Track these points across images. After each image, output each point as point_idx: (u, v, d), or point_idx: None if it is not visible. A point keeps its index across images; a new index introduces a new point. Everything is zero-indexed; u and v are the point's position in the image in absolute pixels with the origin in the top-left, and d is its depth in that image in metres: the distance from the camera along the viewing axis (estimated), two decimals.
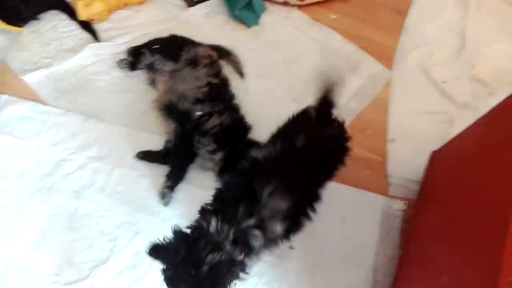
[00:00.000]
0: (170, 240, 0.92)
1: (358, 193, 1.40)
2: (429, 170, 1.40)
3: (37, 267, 1.26)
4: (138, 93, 1.50)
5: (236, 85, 1.50)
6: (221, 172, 1.33)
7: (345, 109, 1.46)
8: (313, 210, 1.05)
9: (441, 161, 1.34)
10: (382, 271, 1.31)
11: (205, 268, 0.87)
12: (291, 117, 1.13)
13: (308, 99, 1.19)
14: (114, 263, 1.29)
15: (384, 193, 1.41)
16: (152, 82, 1.45)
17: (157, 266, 1.11)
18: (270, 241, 0.98)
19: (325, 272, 1.32)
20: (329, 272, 1.31)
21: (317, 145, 1.05)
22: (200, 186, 1.38)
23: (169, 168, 1.35)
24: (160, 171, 1.38)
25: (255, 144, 1.30)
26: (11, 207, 1.33)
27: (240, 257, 0.91)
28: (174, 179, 1.34)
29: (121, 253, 1.30)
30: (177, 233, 0.93)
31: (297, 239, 1.22)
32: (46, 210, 1.33)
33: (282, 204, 0.96)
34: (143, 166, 1.40)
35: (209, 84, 1.34)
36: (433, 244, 1.12)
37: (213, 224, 0.92)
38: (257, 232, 0.93)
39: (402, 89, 1.59)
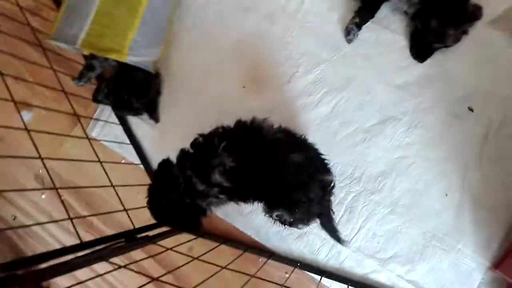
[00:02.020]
0: None
1: None
2: None
3: (230, 76, 1.46)
4: None
5: None
6: (415, 17, 1.25)
7: None
8: None
9: None
10: None
11: None
12: None
13: None
14: (293, 86, 1.39)
15: None
16: None
17: (329, 99, 1.18)
18: None
19: (497, 145, 1.26)
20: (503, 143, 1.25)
21: None
22: (388, 29, 1.34)
23: (360, 4, 1.30)
24: (351, 7, 1.35)
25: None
26: (212, 17, 1.50)
27: None
28: (363, 16, 1.31)
29: (301, 79, 1.39)
30: None
31: (476, 100, 1.17)
32: (241, 27, 1.46)
33: None
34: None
35: None
36: None
37: None
38: None
39: None
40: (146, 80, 1.38)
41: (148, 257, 1.19)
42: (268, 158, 1.03)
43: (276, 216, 1.12)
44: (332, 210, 1.16)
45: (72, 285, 0.76)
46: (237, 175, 1.04)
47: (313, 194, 1.04)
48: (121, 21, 1.23)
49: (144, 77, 1.38)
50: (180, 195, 1.08)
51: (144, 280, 1.40)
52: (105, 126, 1.51)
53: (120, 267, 0.94)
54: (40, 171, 1.61)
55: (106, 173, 1.21)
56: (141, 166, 1.47)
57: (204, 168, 1.05)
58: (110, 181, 1.22)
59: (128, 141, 1.46)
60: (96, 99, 1.40)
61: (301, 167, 1.04)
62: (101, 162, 1.20)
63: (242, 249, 1.33)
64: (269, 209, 1.11)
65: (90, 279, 0.89)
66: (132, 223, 1.21)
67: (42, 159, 0.95)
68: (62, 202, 1.17)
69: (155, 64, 1.38)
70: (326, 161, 1.13)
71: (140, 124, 1.49)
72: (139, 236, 1.14)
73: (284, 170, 1.03)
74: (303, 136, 1.14)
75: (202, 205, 1.12)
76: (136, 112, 1.40)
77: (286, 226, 1.16)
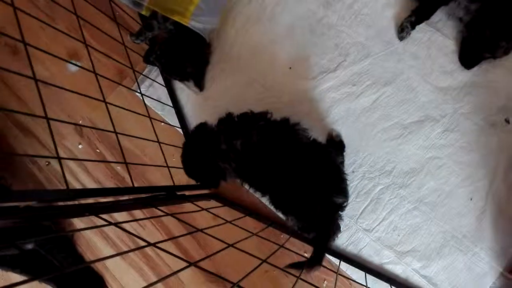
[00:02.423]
0: None
1: None
2: None
3: (279, 56, 1.50)
4: None
5: None
6: (470, 24, 1.29)
7: None
8: None
9: None
10: None
11: None
12: None
13: None
14: (339, 75, 1.44)
15: None
16: None
17: (372, 91, 1.24)
18: None
19: None
20: None
21: None
22: (441, 32, 1.38)
23: (418, 4, 1.34)
24: (407, 5, 1.39)
25: None
26: (270, 1, 1.50)
27: None
28: (419, 16, 1.35)
29: (347, 69, 1.44)
30: None
31: None
32: (296, 11, 1.50)
33: None
34: None
35: None
36: None
37: None
38: None
39: None
40: (199, 47, 1.43)
41: (178, 214, 1.21)
42: (292, 165, 1.07)
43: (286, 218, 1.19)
44: (333, 231, 1.13)
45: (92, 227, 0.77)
46: (255, 161, 1.10)
47: (322, 211, 1.07)
48: None
49: (198, 44, 1.42)
50: (207, 153, 1.17)
51: (165, 237, 1.48)
52: (150, 87, 1.56)
53: (160, 215, 1.00)
54: (81, 121, 1.67)
55: (153, 128, 1.26)
56: (180, 130, 1.51)
57: (233, 134, 1.12)
58: (156, 136, 1.27)
59: (170, 104, 1.51)
60: (148, 59, 1.45)
61: (320, 186, 1.08)
62: (150, 118, 1.26)
63: (266, 223, 1.38)
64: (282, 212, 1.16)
65: (119, 223, 0.88)
66: (172, 180, 1.28)
67: (103, 100, 0.98)
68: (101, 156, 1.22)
69: (209, 33, 1.42)
70: (345, 183, 1.16)
71: (184, 89, 1.54)
72: (178, 193, 1.20)
73: (303, 183, 1.06)
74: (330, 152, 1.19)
75: (221, 166, 1.18)
76: (184, 78, 1.45)
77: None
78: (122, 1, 1.42)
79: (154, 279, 1.43)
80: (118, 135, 1.36)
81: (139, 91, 1.39)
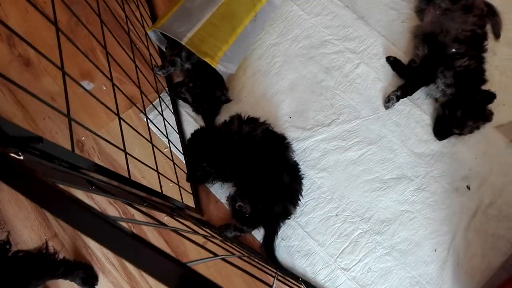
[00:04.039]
0: None
1: None
2: None
3: (281, 105, 1.72)
4: (403, 15, 1.78)
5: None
6: (444, 105, 1.59)
7: None
8: None
9: None
10: None
11: None
12: None
13: None
14: (332, 130, 1.67)
15: None
16: (420, 11, 1.71)
17: (358, 148, 1.50)
18: None
19: (483, 221, 1.57)
20: (486, 220, 1.56)
21: None
22: (420, 107, 1.67)
23: (404, 82, 1.64)
24: (394, 82, 1.68)
25: (487, 94, 1.52)
26: (280, 57, 1.77)
27: None
28: (403, 91, 1.63)
29: (339, 126, 1.68)
30: None
31: (473, 182, 1.52)
32: (301, 71, 1.74)
33: None
34: (383, 72, 1.71)
35: (472, 31, 1.55)
36: None
37: None
38: None
39: None
40: (217, 87, 1.62)
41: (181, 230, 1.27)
42: (265, 163, 1.41)
43: (238, 206, 1.40)
44: (277, 232, 1.48)
45: None
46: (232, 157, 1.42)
47: (276, 209, 1.40)
48: (222, 34, 1.49)
49: (215, 84, 1.62)
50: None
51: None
52: (158, 117, 1.69)
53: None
54: (83, 138, 1.75)
55: (154, 153, 1.27)
56: (181, 157, 1.64)
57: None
58: (156, 163, 1.27)
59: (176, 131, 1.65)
60: (175, 91, 1.62)
61: (284, 187, 1.42)
62: (153, 145, 1.38)
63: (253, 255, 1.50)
64: (239, 197, 1.39)
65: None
66: (181, 196, 1.39)
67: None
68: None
69: (227, 76, 1.62)
70: (300, 195, 1.51)
71: (190, 122, 1.70)
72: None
73: (274, 181, 1.40)
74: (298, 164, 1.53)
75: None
76: (211, 106, 1.61)
77: (232, 215, 1.46)
78: (151, 37, 1.60)
79: None
80: (118, 156, 1.46)
81: (147, 117, 1.50)
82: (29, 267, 1.25)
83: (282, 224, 1.47)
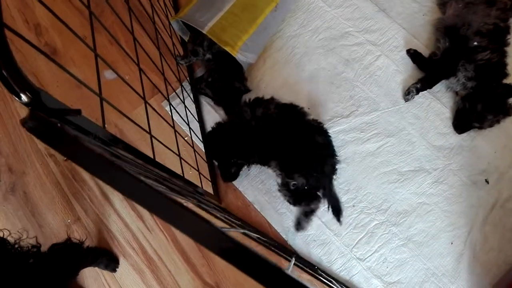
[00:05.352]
0: None
1: None
2: None
3: (299, 96, 1.72)
4: (425, 8, 1.77)
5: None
6: (465, 98, 1.58)
7: None
8: None
9: None
10: None
11: None
12: None
13: None
14: (350, 121, 1.68)
15: None
16: (442, 4, 1.70)
17: (377, 140, 1.51)
18: None
19: (501, 215, 1.57)
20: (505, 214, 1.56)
21: None
22: (439, 100, 1.67)
23: (424, 75, 1.64)
24: (414, 74, 1.68)
25: (508, 88, 1.51)
26: (300, 49, 1.78)
27: None
28: (423, 84, 1.62)
29: (358, 117, 1.68)
30: None
31: (492, 176, 1.54)
32: (320, 63, 1.75)
33: None
34: (403, 65, 1.71)
35: (495, 24, 1.54)
36: None
37: None
38: None
39: None
40: (237, 78, 1.65)
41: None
42: (292, 134, 1.42)
43: (293, 185, 1.41)
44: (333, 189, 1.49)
45: None
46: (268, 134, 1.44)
47: (326, 168, 1.42)
48: (242, 24, 1.51)
49: (235, 75, 1.64)
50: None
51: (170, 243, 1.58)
52: (180, 105, 1.71)
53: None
54: (106, 126, 1.79)
55: (176, 139, 1.32)
56: (201, 145, 1.67)
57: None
58: (178, 149, 1.31)
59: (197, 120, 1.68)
60: (196, 87, 1.65)
61: (321, 147, 1.44)
62: (175, 131, 1.41)
63: (271, 243, 1.53)
64: (288, 178, 1.40)
65: None
66: (201, 183, 1.42)
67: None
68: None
69: (247, 66, 1.64)
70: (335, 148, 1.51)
71: (210, 111, 1.73)
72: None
73: (309, 146, 1.41)
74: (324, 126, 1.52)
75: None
76: (231, 98, 1.64)
77: (294, 201, 1.45)
78: (174, 27, 1.63)
79: (154, 283, 1.53)
80: (140, 144, 1.48)
81: (170, 104, 1.48)
82: (68, 262, 1.30)
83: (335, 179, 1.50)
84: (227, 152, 1.47)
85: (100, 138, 0.67)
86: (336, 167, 1.47)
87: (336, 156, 1.48)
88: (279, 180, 1.45)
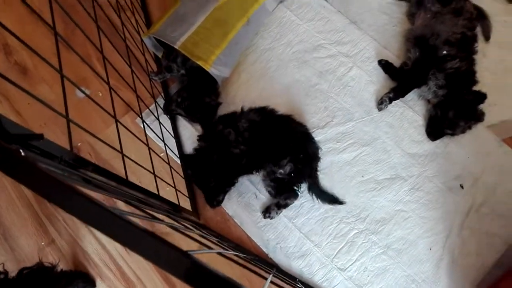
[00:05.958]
0: None
1: None
2: None
3: (275, 109, 1.66)
4: (395, 19, 1.81)
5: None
6: (436, 106, 1.61)
7: None
8: None
9: None
10: None
11: None
12: None
13: None
14: (326, 132, 1.69)
15: None
16: (411, 15, 1.75)
17: (353, 149, 1.52)
18: None
19: (476, 219, 1.59)
20: (480, 218, 1.58)
21: None
22: (412, 109, 1.69)
23: (396, 84, 1.67)
24: (387, 84, 1.71)
25: (478, 95, 1.55)
26: (274, 62, 1.80)
27: None
28: (396, 93, 1.65)
29: (333, 128, 1.70)
30: None
31: (466, 181, 1.56)
32: (295, 75, 1.77)
33: None
34: (376, 75, 1.74)
35: (463, 33, 1.59)
36: None
37: None
38: None
39: None
40: (210, 92, 1.64)
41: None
42: (279, 129, 1.50)
43: (280, 173, 1.45)
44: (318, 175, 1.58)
45: None
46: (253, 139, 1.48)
47: (309, 149, 1.53)
48: (215, 39, 1.52)
49: (208, 90, 1.64)
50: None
51: None
52: (154, 122, 1.69)
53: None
54: (79, 144, 1.76)
55: (150, 156, 1.28)
56: (178, 161, 1.65)
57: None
58: (153, 166, 1.27)
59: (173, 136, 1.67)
60: (167, 109, 1.64)
61: (302, 135, 1.54)
62: (149, 148, 1.39)
63: (251, 258, 1.51)
64: (274, 165, 1.45)
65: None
66: (178, 200, 1.40)
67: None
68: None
69: (221, 80, 1.64)
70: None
71: (187, 127, 1.72)
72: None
73: (291, 135, 1.51)
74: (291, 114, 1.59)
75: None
76: (203, 115, 1.63)
77: (276, 192, 1.50)
78: (146, 44, 1.63)
79: None
80: (114, 162, 1.45)
81: (143, 121, 1.49)
82: (37, 287, 1.25)
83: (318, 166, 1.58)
84: (214, 180, 1.49)
85: (67, 161, 0.65)
86: (319, 155, 1.58)
87: (316, 142, 1.58)
88: (262, 177, 1.53)
